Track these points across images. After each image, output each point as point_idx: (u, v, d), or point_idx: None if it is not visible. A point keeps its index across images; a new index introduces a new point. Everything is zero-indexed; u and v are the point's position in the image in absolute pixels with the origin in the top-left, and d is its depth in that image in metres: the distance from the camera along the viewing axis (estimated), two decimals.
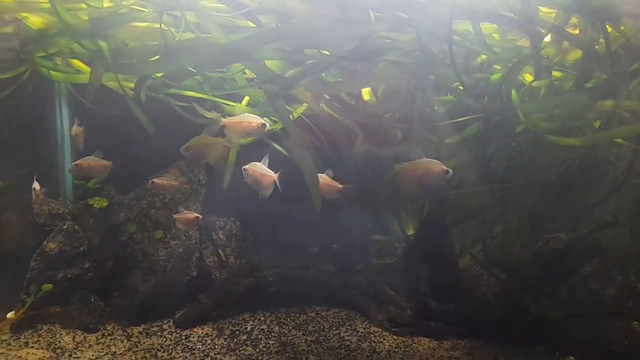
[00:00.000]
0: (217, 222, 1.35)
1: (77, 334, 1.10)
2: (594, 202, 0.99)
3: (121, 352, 1.03)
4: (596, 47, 0.83)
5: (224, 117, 0.97)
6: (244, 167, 0.99)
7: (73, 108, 1.27)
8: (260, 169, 0.98)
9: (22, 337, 1.07)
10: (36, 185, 1.19)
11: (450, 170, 0.79)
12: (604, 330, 0.95)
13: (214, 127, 0.94)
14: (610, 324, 0.95)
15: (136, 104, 1.02)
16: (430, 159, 0.80)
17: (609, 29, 0.81)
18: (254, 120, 0.94)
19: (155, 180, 1.17)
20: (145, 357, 1.03)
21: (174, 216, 1.15)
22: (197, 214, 1.15)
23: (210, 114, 1.02)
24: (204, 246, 1.31)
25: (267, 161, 0.99)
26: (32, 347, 1.04)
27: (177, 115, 1.13)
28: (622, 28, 0.83)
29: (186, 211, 1.16)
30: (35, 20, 0.97)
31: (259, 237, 1.38)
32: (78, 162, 1.10)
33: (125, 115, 1.09)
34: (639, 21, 0.81)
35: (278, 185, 0.95)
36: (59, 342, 1.06)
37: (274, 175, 0.97)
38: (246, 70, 1.02)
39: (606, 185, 1.00)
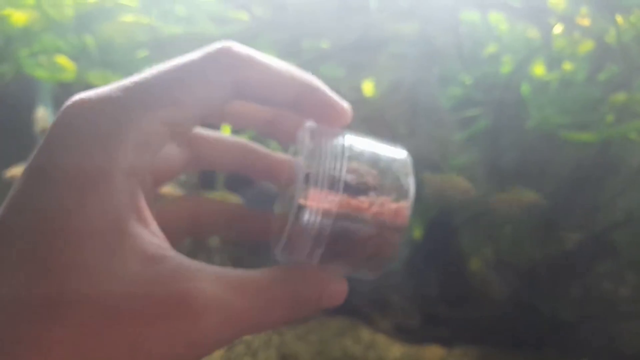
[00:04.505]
0: None
1: None
2: (606, 201, 0.96)
3: None
4: (606, 39, 0.80)
5: None
6: None
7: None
8: None
9: None
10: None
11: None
12: (617, 333, 0.92)
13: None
14: (623, 326, 0.92)
15: None
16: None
17: (620, 21, 0.78)
18: None
19: None
20: None
21: None
22: None
23: None
24: None
25: None
26: None
27: None
28: (630, 20, 0.80)
29: None
30: (19, 18, 0.93)
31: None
32: None
33: None
34: None
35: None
36: None
37: None
38: None
39: (618, 182, 0.96)
